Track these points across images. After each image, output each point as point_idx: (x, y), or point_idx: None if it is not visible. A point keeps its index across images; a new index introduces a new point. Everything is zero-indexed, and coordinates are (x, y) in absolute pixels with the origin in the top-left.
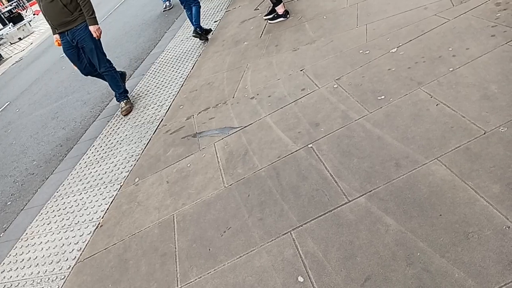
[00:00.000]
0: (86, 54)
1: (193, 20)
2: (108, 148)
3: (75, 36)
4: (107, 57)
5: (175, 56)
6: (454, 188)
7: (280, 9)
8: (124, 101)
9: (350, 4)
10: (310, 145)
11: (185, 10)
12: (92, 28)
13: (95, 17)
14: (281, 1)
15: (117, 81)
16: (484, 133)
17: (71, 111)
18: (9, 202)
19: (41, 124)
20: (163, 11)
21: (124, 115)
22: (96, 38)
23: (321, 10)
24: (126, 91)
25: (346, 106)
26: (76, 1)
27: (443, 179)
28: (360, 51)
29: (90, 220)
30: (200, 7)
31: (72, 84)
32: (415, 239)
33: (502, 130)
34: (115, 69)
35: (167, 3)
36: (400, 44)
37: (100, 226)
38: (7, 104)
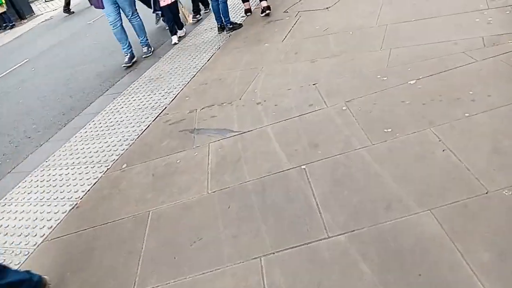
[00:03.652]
0: None
1: (223, 15)
2: (106, 126)
3: None
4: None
5: (195, 45)
6: (441, 247)
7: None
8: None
9: (379, 24)
10: (304, 166)
11: (211, 1)
12: None
13: None
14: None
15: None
16: (486, 193)
17: (83, 81)
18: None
19: (52, 88)
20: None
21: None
22: None
23: (348, 25)
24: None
25: (350, 132)
26: None
27: (432, 235)
28: (378, 76)
29: (68, 199)
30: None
31: (92, 53)
32: None
33: (506, 194)
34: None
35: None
36: (420, 77)
37: (77, 207)
38: (25, 61)
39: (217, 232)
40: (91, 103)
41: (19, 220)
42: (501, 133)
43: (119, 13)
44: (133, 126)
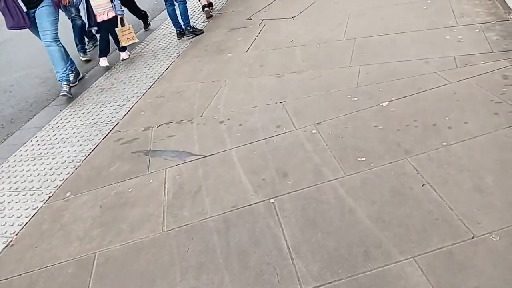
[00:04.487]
0: None
1: (182, 18)
2: (51, 144)
3: None
4: None
5: (152, 51)
6: None
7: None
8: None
9: (347, 37)
10: (272, 200)
11: (167, 6)
12: None
13: None
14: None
15: None
16: (473, 237)
17: (27, 88)
18: None
19: None
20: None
21: None
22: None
23: (315, 37)
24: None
25: (321, 159)
26: None
27: None
28: (348, 96)
29: (2, 234)
30: (186, 2)
31: (39, 56)
32: None
33: (494, 239)
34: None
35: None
36: (393, 99)
37: (11, 245)
38: None
39: (173, 283)
40: (34, 115)
41: None
42: (481, 167)
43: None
44: (80, 145)
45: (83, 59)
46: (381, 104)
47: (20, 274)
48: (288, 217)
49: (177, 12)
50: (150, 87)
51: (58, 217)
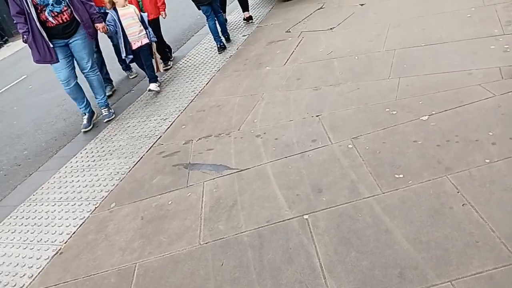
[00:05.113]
0: None
1: (222, 31)
2: (98, 156)
3: None
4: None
5: (194, 65)
6: None
7: None
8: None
9: (387, 48)
10: (306, 216)
11: (208, 20)
12: None
13: None
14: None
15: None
16: None
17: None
18: None
19: (46, 109)
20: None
21: None
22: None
23: (354, 49)
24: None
25: (358, 176)
26: None
27: None
28: (387, 109)
29: (52, 242)
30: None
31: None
32: None
33: None
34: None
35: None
36: (433, 112)
37: (60, 253)
38: (23, 77)
39: None
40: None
41: (0, 265)
42: None
43: (73, 67)
44: (126, 157)
45: (131, 77)
46: (421, 118)
47: (67, 282)
48: (321, 234)
49: (218, 26)
50: (191, 101)
51: (103, 227)
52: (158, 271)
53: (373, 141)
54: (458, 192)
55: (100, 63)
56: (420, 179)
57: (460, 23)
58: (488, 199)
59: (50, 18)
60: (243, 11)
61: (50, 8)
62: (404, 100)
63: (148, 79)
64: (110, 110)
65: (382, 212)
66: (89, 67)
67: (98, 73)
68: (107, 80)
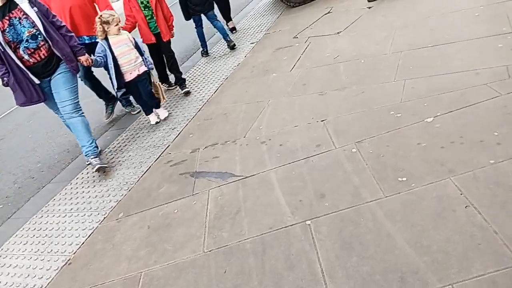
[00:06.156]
0: None
1: (222, 34)
2: (108, 167)
3: None
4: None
5: (203, 74)
6: None
7: None
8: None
9: (393, 51)
10: (309, 222)
11: (197, 28)
12: None
13: None
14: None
15: None
16: None
17: (91, 114)
18: (1, 206)
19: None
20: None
21: None
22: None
23: (360, 52)
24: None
25: (361, 180)
26: None
27: None
28: (391, 112)
29: (62, 253)
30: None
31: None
32: None
33: None
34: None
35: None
36: (438, 114)
37: (69, 264)
38: None
39: None
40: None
41: (11, 276)
42: None
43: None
44: (135, 167)
45: (133, 113)
46: (425, 120)
47: None
48: (323, 240)
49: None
50: (199, 110)
51: (111, 237)
52: (162, 279)
53: (377, 144)
54: (461, 194)
55: (96, 87)
56: (423, 182)
57: (468, 21)
58: (491, 201)
59: (26, 57)
60: (226, 22)
61: (25, 45)
62: (409, 102)
63: (145, 110)
64: (99, 157)
65: (384, 216)
66: (70, 108)
67: (83, 115)
68: (111, 99)
